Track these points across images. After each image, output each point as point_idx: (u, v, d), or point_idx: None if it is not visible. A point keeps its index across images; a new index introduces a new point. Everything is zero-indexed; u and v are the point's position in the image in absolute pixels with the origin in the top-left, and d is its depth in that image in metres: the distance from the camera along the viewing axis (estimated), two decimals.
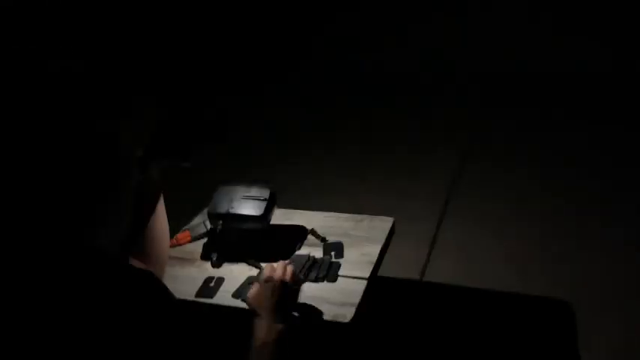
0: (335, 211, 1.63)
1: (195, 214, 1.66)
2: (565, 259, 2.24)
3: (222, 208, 1.35)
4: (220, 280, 1.34)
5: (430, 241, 2.41)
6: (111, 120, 0.77)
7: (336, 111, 3.92)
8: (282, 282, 1.09)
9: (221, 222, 1.36)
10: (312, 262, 1.33)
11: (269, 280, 1.10)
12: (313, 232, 1.49)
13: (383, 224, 1.50)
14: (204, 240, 1.53)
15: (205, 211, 1.63)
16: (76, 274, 0.71)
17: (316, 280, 1.29)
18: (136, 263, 1.24)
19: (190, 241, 1.54)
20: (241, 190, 1.37)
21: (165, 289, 0.81)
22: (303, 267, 1.31)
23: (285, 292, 1.09)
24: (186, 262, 1.45)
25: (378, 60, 4.32)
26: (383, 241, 1.42)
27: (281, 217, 1.56)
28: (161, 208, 1.29)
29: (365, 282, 1.27)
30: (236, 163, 3.14)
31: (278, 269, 1.13)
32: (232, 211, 1.34)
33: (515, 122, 3.54)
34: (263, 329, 1.01)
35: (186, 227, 1.60)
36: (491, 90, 4.04)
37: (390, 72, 4.34)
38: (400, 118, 3.74)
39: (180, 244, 1.53)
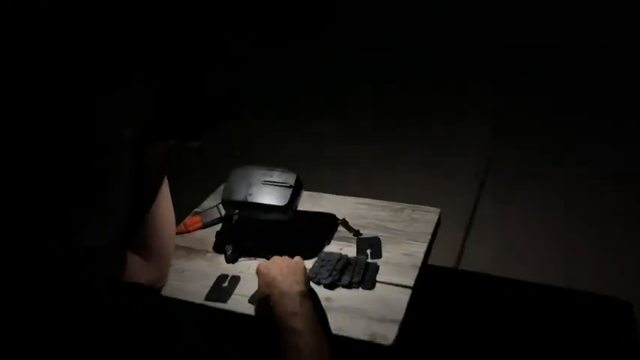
0: (360, 195, 1.40)
1: (206, 195, 1.46)
2: (611, 249, 2.01)
3: (239, 195, 1.13)
4: (235, 280, 1.13)
5: (466, 226, 2.19)
6: (88, 99, 0.69)
7: (359, 85, 3.63)
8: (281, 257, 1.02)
9: (237, 211, 1.14)
10: (345, 262, 1.12)
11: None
12: (345, 224, 1.27)
13: (427, 216, 1.27)
14: (218, 227, 1.32)
15: (220, 190, 1.42)
16: (45, 298, 0.65)
17: (350, 285, 1.07)
18: (135, 259, 1.05)
19: (201, 228, 1.33)
20: (261, 174, 1.14)
21: (155, 312, 0.74)
22: (334, 268, 1.10)
23: (289, 261, 0.99)
24: (195, 253, 1.25)
25: (405, 30, 4.01)
26: (429, 237, 1.20)
27: (306, 201, 1.33)
28: (165, 193, 1.09)
29: (409, 292, 1.05)
30: (247, 141, 2.88)
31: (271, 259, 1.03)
32: (251, 199, 1.12)
33: (554, 98, 3.24)
34: (285, 302, 0.88)
35: (196, 210, 1.40)
36: (526, 63, 3.71)
37: (423, 44, 4.01)
38: (432, 92, 3.43)
39: (189, 231, 1.32)
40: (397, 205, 1.33)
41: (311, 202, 1.38)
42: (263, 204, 1.11)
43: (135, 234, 1.05)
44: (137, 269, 1.04)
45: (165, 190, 1.10)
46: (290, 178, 1.13)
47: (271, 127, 3.07)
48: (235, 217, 1.14)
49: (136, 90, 0.78)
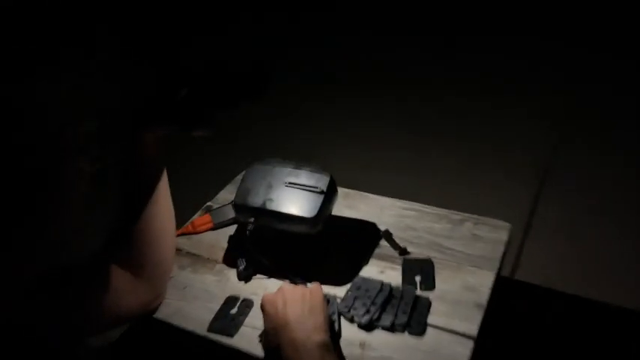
0: (397, 196, 1.14)
1: (217, 186, 1.22)
2: None
3: (257, 200, 0.88)
4: (247, 305, 0.90)
5: (523, 230, 1.89)
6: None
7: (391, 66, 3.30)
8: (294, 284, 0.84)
9: (253, 219, 0.90)
10: (388, 294, 0.86)
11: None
12: (387, 237, 1.01)
13: (494, 233, 1.00)
14: (232, 229, 1.09)
15: (237, 180, 1.20)
16: None
17: (392, 328, 0.82)
18: (123, 277, 0.83)
19: (212, 229, 1.10)
20: (285, 174, 0.89)
21: None
22: (372, 302, 0.85)
23: (304, 295, 0.77)
24: (202, 263, 1.02)
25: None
26: (497, 265, 0.93)
27: (339, 201, 1.08)
28: (162, 191, 0.87)
29: (471, 344, 0.79)
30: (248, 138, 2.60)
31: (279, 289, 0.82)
32: (270, 206, 0.87)
33: (622, 81, 2.83)
34: (309, 349, 0.69)
35: (208, 204, 1.17)
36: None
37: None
38: (442, 93, 3.05)
39: (196, 233, 1.09)
40: (455, 216, 1.06)
41: (345, 203, 1.12)
42: (285, 214, 0.86)
43: (123, 245, 0.83)
44: (126, 289, 0.82)
45: (163, 188, 0.87)
46: (321, 181, 0.88)
47: (272, 128, 2.80)
48: (250, 227, 0.90)
49: (99, 68, 0.55)
